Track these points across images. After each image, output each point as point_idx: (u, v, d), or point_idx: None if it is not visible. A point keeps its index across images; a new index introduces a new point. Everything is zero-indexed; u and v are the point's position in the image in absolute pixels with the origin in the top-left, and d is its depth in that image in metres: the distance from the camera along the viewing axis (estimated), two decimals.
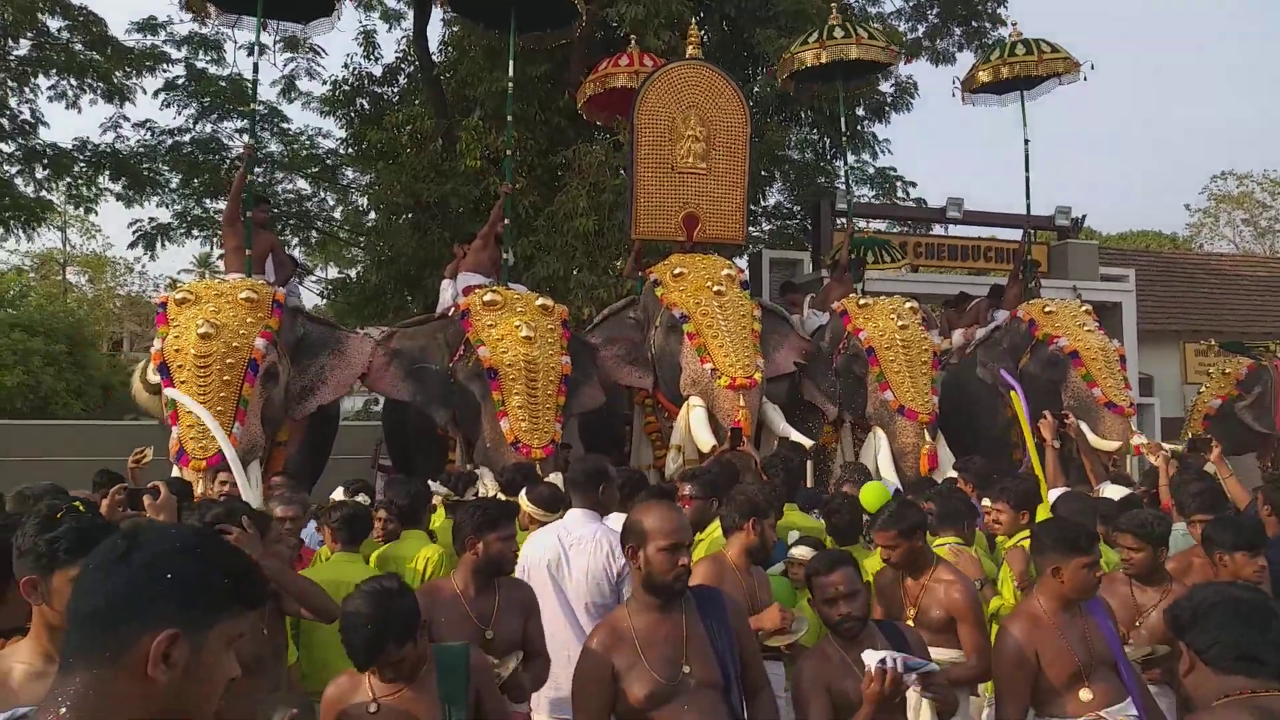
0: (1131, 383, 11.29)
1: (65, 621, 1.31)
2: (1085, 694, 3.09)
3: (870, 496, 4.59)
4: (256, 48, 8.72)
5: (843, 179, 13.09)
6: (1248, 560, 3.51)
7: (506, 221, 8.59)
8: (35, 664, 2.00)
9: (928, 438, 7.64)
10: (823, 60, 9.55)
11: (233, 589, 1.32)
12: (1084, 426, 7.42)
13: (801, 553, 3.95)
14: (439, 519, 5.18)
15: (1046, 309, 9.03)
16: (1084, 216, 15.16)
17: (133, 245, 16.74)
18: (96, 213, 17.52)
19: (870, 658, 2.68)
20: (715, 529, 4.28)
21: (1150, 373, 15.00)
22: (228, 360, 6.29)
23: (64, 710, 1.19)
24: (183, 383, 6.21)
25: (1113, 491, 5.66)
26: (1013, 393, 7.37)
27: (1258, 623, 1.98)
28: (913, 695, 2.84)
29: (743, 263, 13.26)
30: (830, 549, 3.88)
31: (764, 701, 2.84)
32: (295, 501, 4.37)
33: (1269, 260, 22.98)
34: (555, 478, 5.26)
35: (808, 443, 7.21)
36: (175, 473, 5.97)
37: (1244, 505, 4.94)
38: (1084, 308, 9.14)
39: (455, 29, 13.39)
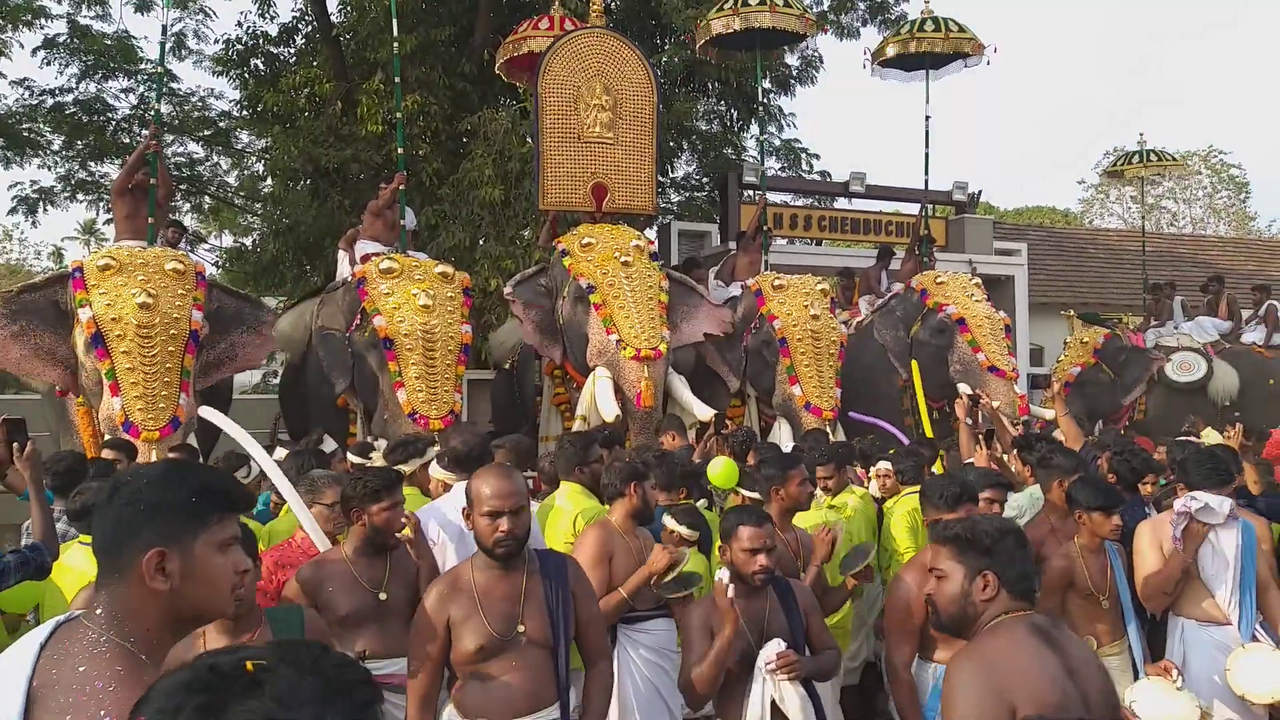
0: (1022, 353, 11.81)
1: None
2: None
3: (723, 473, 4.61)
4: (164, 34, 8.33)
5: (750, 151, 13.19)
6: (1105, 519, 3.73)
7: (403, 187, 8.42)
8: None
9: (829, 433, 7.82)
10: (736, 28, 9.56)
11: (205, 503, 1.56)
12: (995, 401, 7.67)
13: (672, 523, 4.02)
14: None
15: (938, 280, 9.34)
16: (980, 192, 15.65)
17: (12, 211, 15.91)
18: None
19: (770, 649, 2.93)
20: (550, 498, 4.40)
21: (1041, 344, 15.62)
22: (170, 332, 6.19)
23: (100, 612, 1.52)
24: (124, 353, 6.06)
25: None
26: (915, 364, 7.60)
27: (1030, 553, 2.24)
28: (763, 687, 2.95)
29: (652, 234, 13.29)
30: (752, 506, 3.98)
31: (600, 673, 2.95)
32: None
33: (1153, 236, 24.06)
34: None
35: (711, 413, 7.29)
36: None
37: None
38: (974, 280, 9.45)
39: None
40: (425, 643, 2.73)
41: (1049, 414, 8.08)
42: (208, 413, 4.33)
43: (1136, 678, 3.68)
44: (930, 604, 2.25)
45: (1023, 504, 4.78)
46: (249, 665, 1.00)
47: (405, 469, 4.42)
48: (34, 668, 1.45)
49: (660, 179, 12.94)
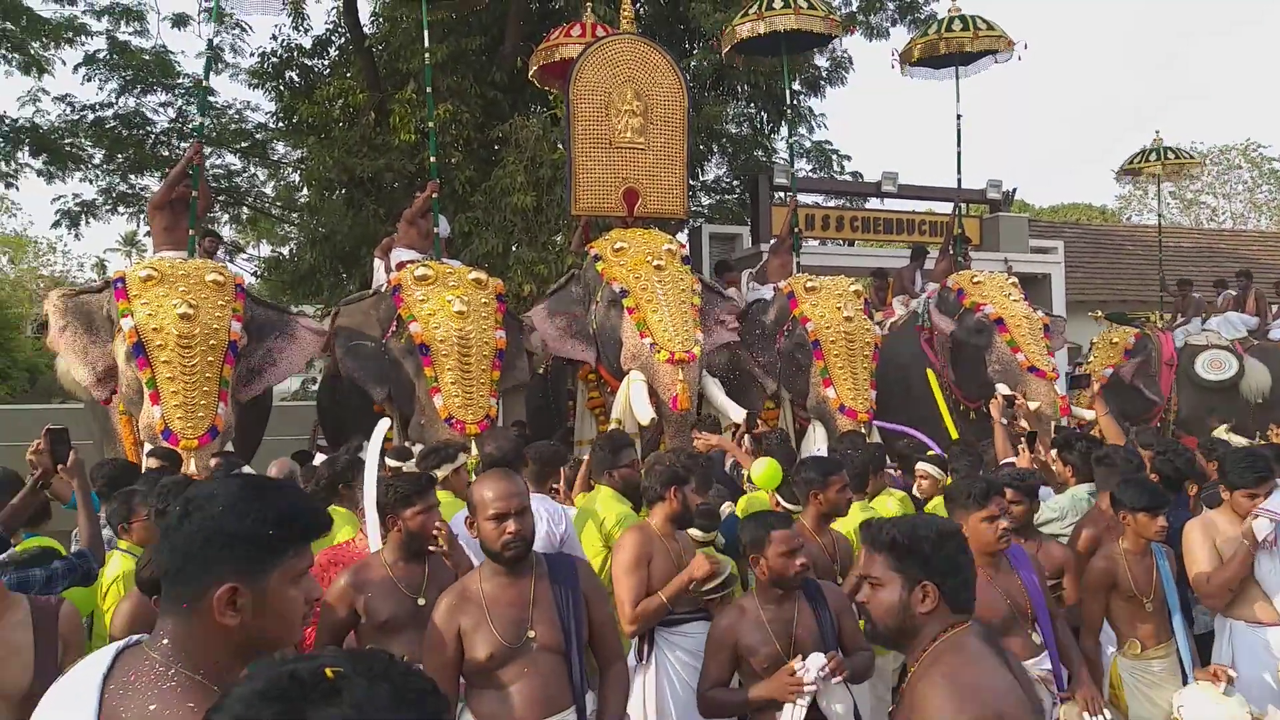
0: (1060, 352, 11.67)
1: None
2: (1007, 646, 3.20)
3: (767, 474, 4.61)
4: (209, 49, 8.43)
5: (780, 153, 13.15)
6: (1150, 520, 3.67)
7: (436, 195, 8.47)
8: None
9: (865, 435, 7.76)
10: (760, 32, 9.55)
11: (282, 536, 1.47)
12: (1031, 403, 7.64)
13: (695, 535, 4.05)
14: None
15: (974, 279, 9.24)
16: (1014, 190, 15.52)
17: (56, 225, 16.25)
18: (17, 188, 16.93)
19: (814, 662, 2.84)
20: (589, 503, 4.40)
21: (1079, 342, 15.43)
22: (210, 342, 6.31)
23: (165, 641, 1.45)
24: (165, 362, 6.18)
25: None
26: (929, 373, 7.57)
27: (971, 560, 2.09)
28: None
29: (683, 237, 13.30)
30: (773, 510, 3.99)
31: (616, 674, 2.94)
32: None
33: (1193, 231, 23.68)
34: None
35: (744, 414, 7.27)
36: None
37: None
38: (1010, 279, 9.36)
39: (387, 1, 13.17)
40: (437, 654, 2.72)
41: (1090, 414, 7.98)
42: (383, 423, 4.53)
43: (1185, 683, 3.62)
44: (863, 613, 2.08)
45: (1064, 506, 4.71)
46: (328, 672, 0.99)
47: (438, 474, 4.46)
48: (100, 702, 1.38)
49: (691, 182, 12.97)
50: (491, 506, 2.73)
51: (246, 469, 5.98)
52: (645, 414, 7.08)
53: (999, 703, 1.85)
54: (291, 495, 1.56)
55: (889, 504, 5.00)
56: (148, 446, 6.08)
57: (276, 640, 1.50)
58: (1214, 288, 13.04)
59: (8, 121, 15.34)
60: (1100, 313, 12.16)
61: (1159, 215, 16.27)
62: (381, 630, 3.23)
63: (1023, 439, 5.77)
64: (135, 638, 1.50)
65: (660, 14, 14.64)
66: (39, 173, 15.81)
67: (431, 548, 3.35)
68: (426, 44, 8.98)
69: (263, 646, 1.49)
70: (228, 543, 1.43)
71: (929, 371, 8.39)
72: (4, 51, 14.92)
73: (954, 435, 7.29)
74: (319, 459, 6.20)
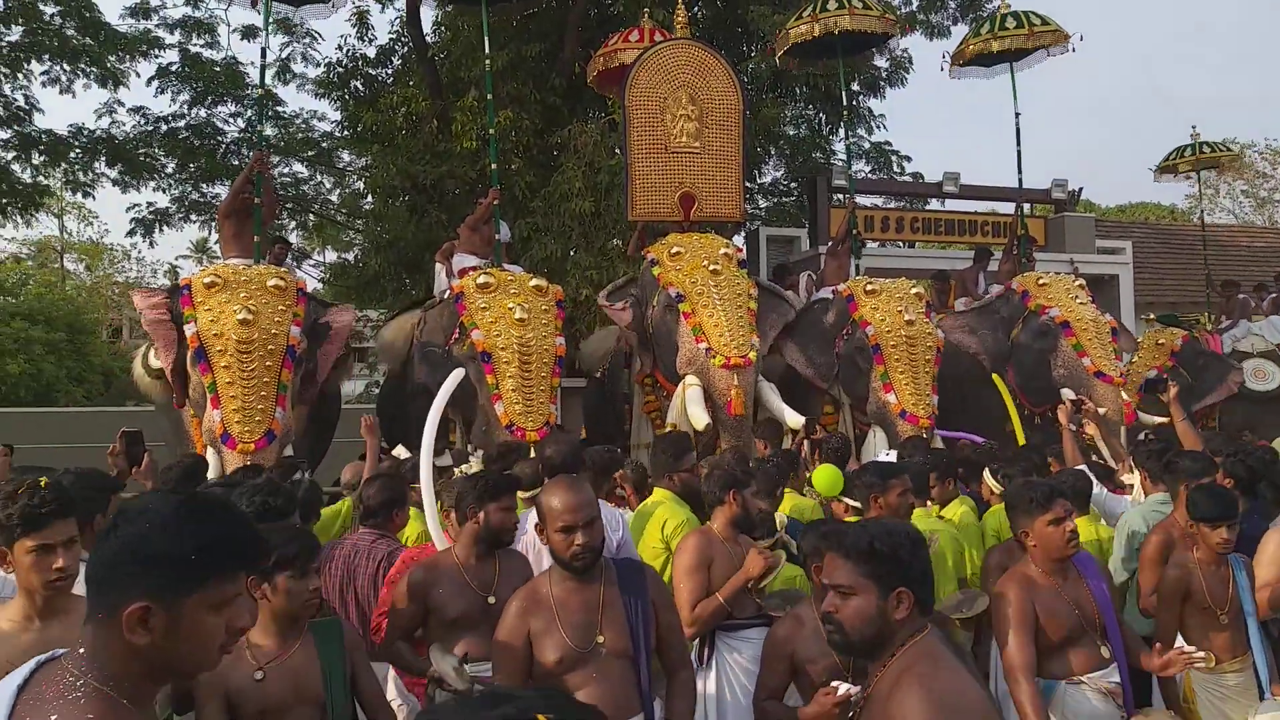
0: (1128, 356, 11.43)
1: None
2: (1073, 658, 3.14)
3: (825, 480, 4.60)
4: (262, 62, 8.60)
5: (839, 154, 13.05)
6: (1210, 531, 3.55)
7: (497, 202, 8.57)
8: (18, 621, 2.37)
9: (927, 439, 7.65)
10: (816, 33, 9.48)
11: (206, 562, 1.42)
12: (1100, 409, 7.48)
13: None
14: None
15: (1040, 281, 9.07)
16: (1080, 189, 15.20)
17: (131, 232, 16.78)
18: (94, 197, 17.53)
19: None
20: (646, 506, 4.43)
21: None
22: (269, 347, 6.41)
23: (81, 651, 1.42)
24: (225, 367, 6.31)
25: None
26: (995, 376, 7.44)
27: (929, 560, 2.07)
28: None
29: (740, 240, 13.26)
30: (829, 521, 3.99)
31: (682, 681, 2.93)
32: None
33: (1267, 231, 22.93)
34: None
35: (801, 420, 7.23)
36: (211, 455, 6.10)
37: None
38: (1077, 281, 9.17)
39: (448, 9, 13.35)
40: (508, 657, 2.74)
41: (1157, 419, 7.78)
42: (455, 374, 4.69)
43: (1262, 698, 3.51)
44: (831, 623, 1.98)
45: (1134, 523, 4.53)
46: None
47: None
48: (9, 715, 1.36)
49: (748, 185, 12.96)
50: (560, 518, 2.74)
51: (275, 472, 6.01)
52: (700, 419, 7.07)
53: (976, 710, 1.84)
54: (227, 521, 1.50)
55: (961, 512, 4.93)
56: (210, 451, 6.22)
57: (188, 665, 1.46)
58: (1254, 291, 12.61)
59: (86, 133, 15.91)
60: (1153, 315, 11.89)
61: (1201, 213, 15.86)
62: (451, 627, 3.26)
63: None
64: (57, 651, 1.48)
65: (718, 17, 14.64)
66: (114, 182, 16.40)
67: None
68: (487, 51, 9.09)
69: (174, 668, 1.46)
70: (147, 561, 1.40)
71: (994, 376, 8.21)
72: (83, 66, 15.47)
73: (1022, 441, 7.15)
74: (398, 451, 6.33)
